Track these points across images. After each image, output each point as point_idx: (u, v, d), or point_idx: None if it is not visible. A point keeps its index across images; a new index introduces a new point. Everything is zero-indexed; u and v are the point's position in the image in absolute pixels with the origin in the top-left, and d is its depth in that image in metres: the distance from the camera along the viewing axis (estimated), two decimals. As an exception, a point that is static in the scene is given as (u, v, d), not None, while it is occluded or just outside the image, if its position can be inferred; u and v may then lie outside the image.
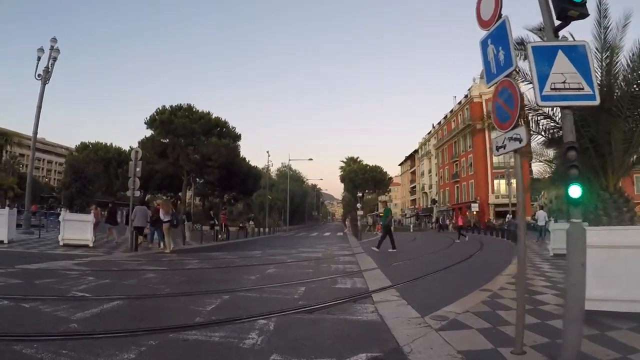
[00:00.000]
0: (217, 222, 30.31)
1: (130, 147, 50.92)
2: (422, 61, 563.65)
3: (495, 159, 66.09)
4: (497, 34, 5.15)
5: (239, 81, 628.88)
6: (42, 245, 17.79)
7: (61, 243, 17.56)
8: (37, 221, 26.65)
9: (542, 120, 10.78)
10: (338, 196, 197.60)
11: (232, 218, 43.93)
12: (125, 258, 14.79)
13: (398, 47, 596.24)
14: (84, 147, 59.43)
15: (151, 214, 18.78)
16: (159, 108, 44.83)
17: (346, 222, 51.08)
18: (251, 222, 46.02)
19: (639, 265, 6.13)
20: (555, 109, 10.00)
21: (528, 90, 8.45)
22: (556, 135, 10.48)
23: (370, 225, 58.52)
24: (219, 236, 28.44)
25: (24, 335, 5.04)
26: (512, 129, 4.89)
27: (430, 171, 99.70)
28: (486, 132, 65.63)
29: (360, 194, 74.86)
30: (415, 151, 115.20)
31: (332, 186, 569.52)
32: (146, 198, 61.76)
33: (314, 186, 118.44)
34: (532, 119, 10.80)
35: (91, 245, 17.60)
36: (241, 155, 55.80)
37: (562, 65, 4.56)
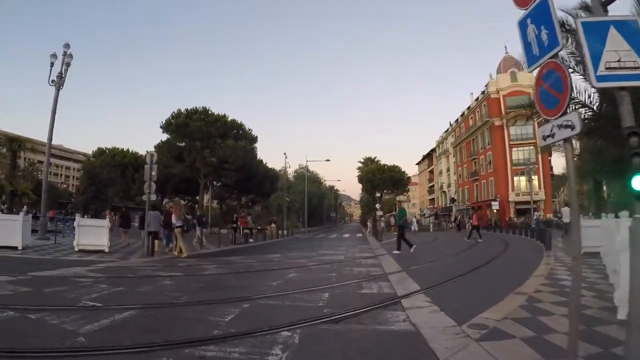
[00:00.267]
0: (237, 226, 30.06)
1: (146, 151, 50.88)
2: (438, 59, 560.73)
3: (515, 155, 65.79)
4: (538, 12, 4.63)
5: (255, 84, 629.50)
6: (57, 251, 17.45)
7: (76, 249, 17.22)
8: (53, 227, 26.30)
9: (580, 109, 10.15)
10: (355, 197, 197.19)
11: (253, 220, 43.35)
12: (140, 264, 14.42)
13: (413, 45, 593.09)
14: (100, 152, 59.51)
15: (163, 217, 18.50)
16: (174, 112, 44.64)
17: (368, 223, 50.43)
18: (273, 225, 45.68)
19: None
20: (592, 95, 9.50)
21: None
22: (591, 124, 9.93)
23: (392, 225, 57.87)
24: (247, 238, 28.10)
25: (24, 352, 4.60)
26: (562, 115, 4.33)
27: (448, 170, 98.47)
28: (505, 128, 66.36)
29: (378, 194, 74.15)
30: (433, 150, 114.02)
31: (350, 187, 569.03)
32: (163, 202, 61.75)
33: (332, 187, 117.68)
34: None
35: (107, 250, 17.31)
36: (258, 158, 55.58)
37: (615, 42, 4.06)
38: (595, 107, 9.24)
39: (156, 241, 18.11)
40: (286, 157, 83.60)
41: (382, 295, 8.30)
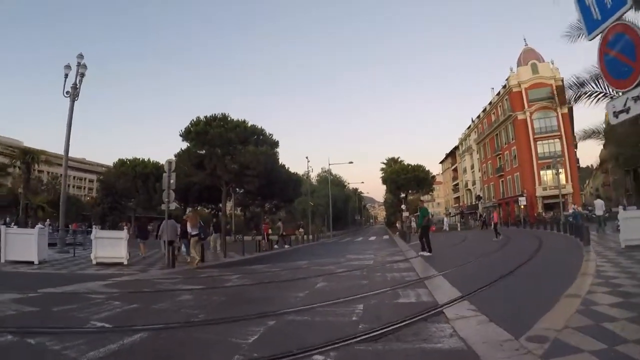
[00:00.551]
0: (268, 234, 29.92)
1: (166, 160, 50.55)
2: (456, 56, 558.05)
3: (540, 149, 64.95)
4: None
5: (275, 89, 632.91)
6: (74, 264, 16.93)
7: (94, 262, 16.66)
8: (71, 239, 25.90)
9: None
10: (379, 198, 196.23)
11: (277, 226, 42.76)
12: (160, 276, 13.70)
13: (431, 44, 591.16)
14: (122, 163, 58.95)
15: (180, 226, 18.06)
16: (193, 119, 44.05)
17: (397, 225, 50.01)
18: (301, 230, 45.48)
19: None
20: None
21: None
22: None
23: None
24: (272, 245, 27.54)
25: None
26: (638, 85, 3.49)
27: (472, 167, 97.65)
28: (529, 121, 65.39)
29: (403, 195, 73.39)
30: (456, 148, 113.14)
31: (373, 189, 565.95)
32: (186, 211, 61.34)
33: (355, 190, 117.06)
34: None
35: (125, 262, 16.66)
36: (280, 163, 54.67)
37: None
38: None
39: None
40: (308, 161, 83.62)
41: (422, 304, 7.45)
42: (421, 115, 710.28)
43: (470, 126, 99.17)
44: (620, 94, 3.95)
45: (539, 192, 64.31)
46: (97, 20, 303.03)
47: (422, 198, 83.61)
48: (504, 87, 73.77)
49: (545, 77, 65.59)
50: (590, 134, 21.34)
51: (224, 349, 5.11)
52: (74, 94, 22.69)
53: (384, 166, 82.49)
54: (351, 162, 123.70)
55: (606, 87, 13.96)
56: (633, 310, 5.87)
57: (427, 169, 78.29)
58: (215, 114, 43.79)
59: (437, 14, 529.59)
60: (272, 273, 14.25)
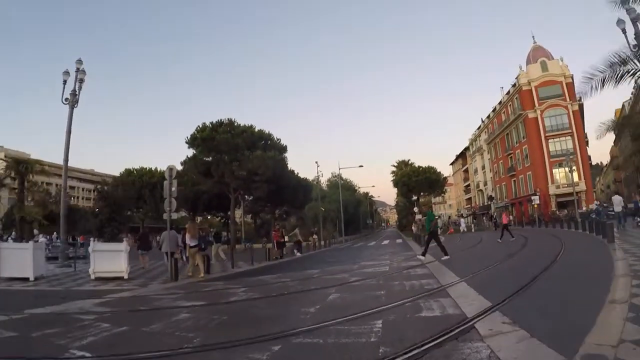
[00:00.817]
0: (285, 241, 29.38)
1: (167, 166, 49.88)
2: (465, 56, 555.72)
3: (552, 147, 64.45)
4: None
5: (282, 94, 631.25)
6: (72, 280, 16.08)
7: (92, 277, 15.80)
8: (75, 253, 25.08)
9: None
10: (390, 202, 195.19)
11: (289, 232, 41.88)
12: (160, 291, 12.77)
13: (439, 45, 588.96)
14: (128, 173, 58.52)
15: (182, 237, 17.26)
16: (199, 126, 43.51)
17: (413, 228, 49.24)
18: (315, 236, 44.40)
19: None
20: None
21: None
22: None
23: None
24: (282, 252, 26.76)
25: None
26: None
27: (483, 167, 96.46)
28: (540, 120, 64.63)
29: (415, 197, 72.63)
30: (466, 148, 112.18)
31: (384, 192, 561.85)
32: (196, 220, 60.71)
33: (366, 194, 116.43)
34: None
35: (126, 277, 15.81)
36: (289, 168, 54.13)
37: None
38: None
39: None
40: (318, 166, 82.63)
41: (448, 318, 6.51)
42: (430, 117, 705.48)
43: (480, 126, 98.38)
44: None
45: (552, 190, 63.74)
46: (99, 28, 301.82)
47: (434, 200, 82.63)
48: (514, 85, 73.09)
49: (555, 75, 65.57)
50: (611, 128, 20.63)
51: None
52: (73, 101, 22.17)
53: (394, 169, 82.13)
54: (361, 166, 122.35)
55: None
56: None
57: (438, 170, 77.78)
58: (221, 120, 43.31)
59: (443, 16, 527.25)
60: (280, 284, 13.25)
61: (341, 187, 72.82)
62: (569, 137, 63.22)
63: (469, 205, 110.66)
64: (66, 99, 22.13)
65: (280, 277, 15.28)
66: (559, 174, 63.13)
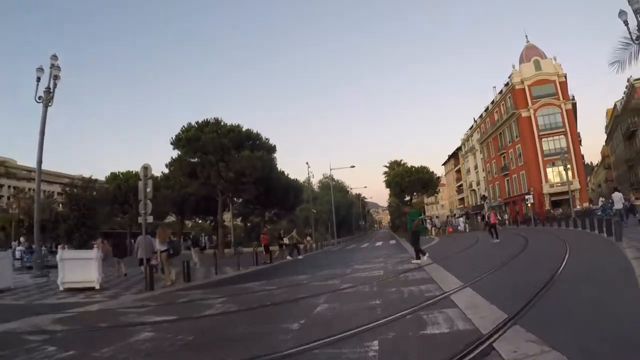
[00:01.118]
0: (285, 243, 29.58)
1: (162, 172, 48.53)
2: (457, 56, 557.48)
3: (545, 146, 64.68)
4: None
5: (273, 94, 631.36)
6: (41, 292, 14.79)
7: (61, 288, 14.51)
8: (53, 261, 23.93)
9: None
10: (382, 203, 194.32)
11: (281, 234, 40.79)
12: (130, 304, 11.46)
13: (430, 45, 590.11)
14: (114, 177, 56.75)
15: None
16: (184, 126, 42.18)
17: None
18: (309, 238, 43.77)
19: None
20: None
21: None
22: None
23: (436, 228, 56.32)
24: (271, 257, 25.71)
25: None
26: None
27: (476, 167, 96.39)
28: (533, 119, 64.26)
29: (408, 198, 71.91)
30: (459, 148, 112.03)
31: (376, 194, 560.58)
32: (183, 224, 59.29)
33: (359, 195, 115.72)
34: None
35: (97, 287, 14.51)
36: (279, 169, 53.19)
37: None
38: None
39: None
40: (309, 167, 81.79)
41: (460, 335, 5.31)
42: (422, 117, 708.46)
43: (472, 126, 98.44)
44: None
45: (546, 189, 63.91)
46: (76, 25, 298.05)
47: (426, 200, 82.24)
48: (507, 85, 73.11)
49: (549, 74, 65.94)
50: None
51: None
52: (47, 99, 20.84)
53: (386, 169, 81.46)
54: (353, 166, 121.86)
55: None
56: None
57: (431, 170, 77.21)
58: (207, 119, 41.99)
59: (436, 16, 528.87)
60: (264, 293, 11.96)
61: (333, 188, 71.84)
62: (563, 136, 63.54)
63: (462, 205, 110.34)
64: (39, 98, 20.77)
65: (266, 285, 13.96)
66: (553, 172, 63.45)
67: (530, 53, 68.73)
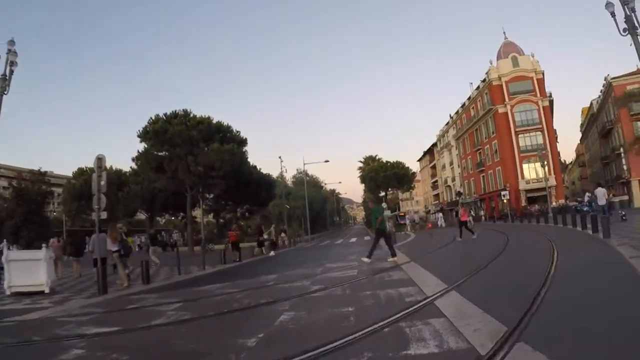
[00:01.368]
0: (265, 239, 29.24)
1: (131, 168, 47.19)
2: (431, 52, 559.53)
3: (522, 142, 65.42)
4: None
5: (243, 87, 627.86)
6: (-13, 298, 13.43)
7: (8, 292, 13.29)
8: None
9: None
10: (357, 199, 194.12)
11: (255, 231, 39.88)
12: (75, 310, 10.21)
13: (406, 40, 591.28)
14: (81, 172, 54.67)
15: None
16: (152, 118, 41.01)
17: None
18: (283, 234, 43.15)
19: None
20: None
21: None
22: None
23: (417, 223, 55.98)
24: (240, 255, 24.90)
25: None
26: None
27: (451, 163, 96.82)
28: (510, 115, 64.37)
29: (383, 193, 71.53)
30: (434, 145, 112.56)
31: (350, 190, 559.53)
32: (153, 221, 57.84)
33: (333, 191, 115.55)
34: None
35: (47, 290, 13.33)
36: (251, 164, 52.51)
37: None
38: None
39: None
40: (282, 161, 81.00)
41: (452, 357, 4.30)
42: (397, 113, 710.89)
43: (448, 122, 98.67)
44: None
45: (522, 185, 64.61)
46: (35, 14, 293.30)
47: (400, 197, 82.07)
48: (484, 81, 73.55)
49: (526, 70, 66.69)
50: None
51: None
52: (2, 87, 19.48)
53: (361, 165, 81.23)
54: (327, 161, 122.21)
55: None
56: None
57: (406, 165, 77.12)
58: (176, 111, 40.96)
59: (411, 11, 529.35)
60: (225, 297, 10.70)
61: (307, 183, 70.85)
62: (539, 133, 64.37)
63: (437, 202, 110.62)
64: (-7, 85, 19.33)
65: (228, 287, 12.70)
66: (529, 169, 64.15)
67: (508, 49, 69.25)
